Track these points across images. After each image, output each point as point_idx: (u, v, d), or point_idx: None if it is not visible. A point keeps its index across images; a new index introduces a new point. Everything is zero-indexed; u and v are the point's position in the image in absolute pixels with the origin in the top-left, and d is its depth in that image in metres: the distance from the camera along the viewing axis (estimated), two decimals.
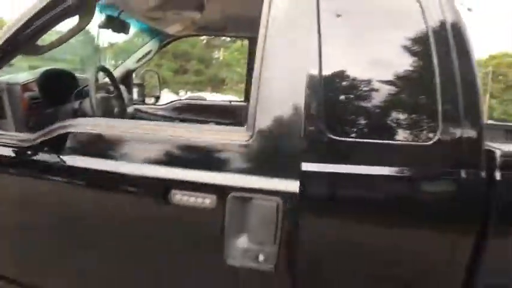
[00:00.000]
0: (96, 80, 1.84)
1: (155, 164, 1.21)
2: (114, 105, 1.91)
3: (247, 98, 3.15)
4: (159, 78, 3.28)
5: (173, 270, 1.28)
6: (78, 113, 1.70)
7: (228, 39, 30.81)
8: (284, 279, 1.20)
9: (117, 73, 2.73)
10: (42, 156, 1.31)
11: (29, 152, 1.32)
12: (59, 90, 1.83)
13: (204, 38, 30.52)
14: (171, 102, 3.20)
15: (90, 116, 1.64)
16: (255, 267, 1.14)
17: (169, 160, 1.21)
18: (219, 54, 30.21)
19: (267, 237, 1.12)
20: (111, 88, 2.07)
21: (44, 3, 1.30)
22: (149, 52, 2.85)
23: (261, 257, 1.14)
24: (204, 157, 1.20)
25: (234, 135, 1.20)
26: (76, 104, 1.75)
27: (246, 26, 2.63)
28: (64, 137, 1.27)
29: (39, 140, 1.30)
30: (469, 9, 33.29)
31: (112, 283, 1.34)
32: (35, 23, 1.32)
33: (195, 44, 26.26)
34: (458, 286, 1.31)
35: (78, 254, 1.33)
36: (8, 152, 1.35)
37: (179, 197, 1.16)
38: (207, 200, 1.14)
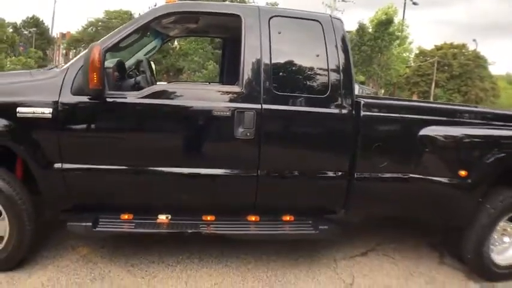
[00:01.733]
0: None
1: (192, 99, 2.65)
2: (150, 80, 3.26)
3: (221, 80, 4.50)
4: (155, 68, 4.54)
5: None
6: (140, 84, 3.03)
7: None
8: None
9: (131, 62, 3.98)
10: (148, 101, 2.68)
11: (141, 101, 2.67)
12: (122, 71, 3.12)
13: None
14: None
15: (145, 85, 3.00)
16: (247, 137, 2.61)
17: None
18: (175, 44, 30.77)
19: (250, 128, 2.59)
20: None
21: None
22: (154, 47, 4.14)
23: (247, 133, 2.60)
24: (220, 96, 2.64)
25: (234, 88, 2.64)
26: (133, 79, 3.08)
27: (221, 30, 4.03)
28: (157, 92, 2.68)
29: (145, 94, 2.66)
30: (415, 3, 35.51)
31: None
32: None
33: None
34: (345, 182, 2.83)
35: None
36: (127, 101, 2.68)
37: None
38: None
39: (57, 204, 2.80)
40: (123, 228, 2.75)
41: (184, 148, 2.81)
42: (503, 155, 3.10)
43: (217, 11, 3.01)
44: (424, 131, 3.03)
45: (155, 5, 3.14)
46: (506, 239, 3.33)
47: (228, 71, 4.02)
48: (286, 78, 2.86)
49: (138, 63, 3.86)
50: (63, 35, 41.23)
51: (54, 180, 2.65)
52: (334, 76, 2.86)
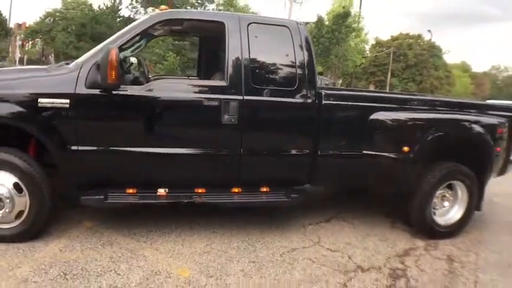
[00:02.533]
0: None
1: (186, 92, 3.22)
2: (146, 75, 3.76)
3: (199, 74, 5.01)
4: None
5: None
6: (139, 78, 3.51)
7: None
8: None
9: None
10: (151, 94, 3.23)
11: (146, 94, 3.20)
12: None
13: (119, 19, 30.72)
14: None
15: (143, 80, 3.50)
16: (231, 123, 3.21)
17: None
18: None
19: (234, 115, 3.18)
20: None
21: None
22: (140, 46, 4.58)
23: (231, 119, 3.19)
24: (210, 89, 3.21)
25: (220, 82, 3.21)
26: (132, 75, 3.55)
27: (201, 32, 4.55)
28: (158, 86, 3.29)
29: (149, 88, 3.20)
30: None
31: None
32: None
33: (112, 25, 26.59)
34: (310, 159, 3.48)
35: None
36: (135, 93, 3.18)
37: None
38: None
39: (72, 181, 3.26)
40: (129, 200, 3.26)
41: (180, 132, 3.36)
42: (440, 133, 3.86)
43: (205, 18, 3.59)
44: (373, 116, 3.74)
45: (153, 11, 3.61)
46: (446, 203, 4.11)
47: (206, 66, 4.55)
48: (262, 73, 3.46)
49: (139, 60, 4.30)
50: (19, 26, 39.60)
51: (70, 160, 3.12)
52: (300, 71, 3.50)
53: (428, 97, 5.06)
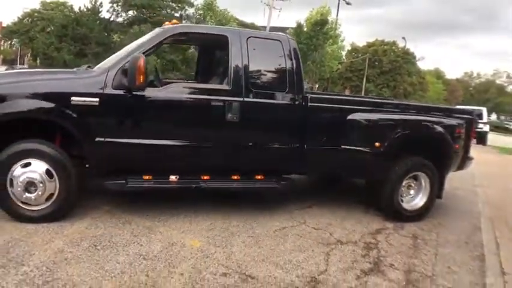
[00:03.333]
0: None
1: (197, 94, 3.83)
2: (159, 79, 4.34)
3: (196, 79, 5.56)
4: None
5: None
6: (154, 81, 4.06)
7: (125, 22, 31.56)
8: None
9: None
10: (169, 94, 3.82)
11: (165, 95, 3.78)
12: None
13: (101, 22, 30.77)
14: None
15: (158, 83, 4.05)
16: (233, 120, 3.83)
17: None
18: (115, 38, 30.63)
19: (235, 114, 3.81)
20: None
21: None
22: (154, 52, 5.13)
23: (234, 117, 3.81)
24: (216, 92, 3.82)
25: (225, 86, 3.82)
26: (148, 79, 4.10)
27: (204, 41, 5.14)
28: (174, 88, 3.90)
29: (167, 89, 3.80)
30: (348, 3, 37.90)
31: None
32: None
33: (93, 27, 26.65)
34: (298, 152, 4.15)
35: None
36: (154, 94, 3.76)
37: None
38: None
39: (97, 168, 3.78)
40: (145, 185, 3.81)
41: (190, 127, 3.94)
42: (406, 132, 4.60)
43: (212, 33, 4.21)
44: (350, 116, 4.43)
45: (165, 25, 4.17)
46: (411, 191, 4.84)
47: (207, 72, 5.13)
48: (259, 79, 4.10)
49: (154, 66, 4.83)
50: None
51: (97, 150, 3.65)
52: (290, 78, 4.15)
53: (398, 101, 5.82)
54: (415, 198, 4.86)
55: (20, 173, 3.50)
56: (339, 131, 4.40)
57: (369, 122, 4.49)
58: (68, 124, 3.57)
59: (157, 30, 4.15)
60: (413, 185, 4.85)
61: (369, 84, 42.39)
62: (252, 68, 4.01)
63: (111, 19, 30.74)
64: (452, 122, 4.98)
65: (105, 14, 31.00)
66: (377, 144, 4.45)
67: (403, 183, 4.73)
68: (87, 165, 3.80)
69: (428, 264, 3.70)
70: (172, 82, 4.36)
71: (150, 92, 3.73)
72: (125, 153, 3.78)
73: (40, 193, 3.55)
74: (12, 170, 3.50)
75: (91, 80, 3.64)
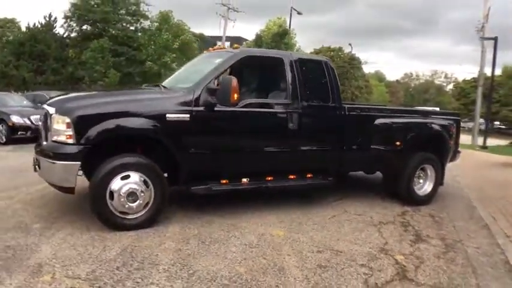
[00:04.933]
0: None
1: (267, 108, 4.65)
2: None
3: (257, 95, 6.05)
4: None
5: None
6: None
7: (80, 37, 30.91)
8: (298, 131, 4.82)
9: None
10: (245, 109, 4.48)
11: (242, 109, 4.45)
12: None
13: (56, 38, 29.97)
14: None
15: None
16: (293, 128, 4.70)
17: None
18: (71, 53, 29.97)
19: (295, 123, 4.68)
20: None
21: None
22: None
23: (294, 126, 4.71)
24: (280, 106, 4.68)
25: (287, 101, 4.74)
26: None
27: (263, 63, 5.48)
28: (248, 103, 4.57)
29: (242, 104, 4.44)
30: (299, 13, 39.76)
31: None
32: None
33: (50, 43, 25.93)
34: (339, 152, 5.09)
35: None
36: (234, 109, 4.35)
37: None
38: None
39: (186, 176, 4.33)
40: (224, 188, 4.46)
41: (263, 136, 4.67)
42: (417, 132, 5.67)
43: (270, 55, 4.97)
44: (377, 121, 5.40)
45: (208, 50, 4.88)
46: (421, 180, 5.89)
47: (264, 88, 5.39)
48: (310, 94, 4.91)
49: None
50: None
51: (188, 160, 4.23)
52: (332, 92, 5.04)
53: (408, 108, 6.97)
54: (424, 186, 5.93)
55: (120, 185, 3.93)
56: (369, 134, 5.36)
57: (392, 125, 5.50)
58: (163, 138, 4.12)
59: (227, 54, 4.77)
60: (422, 175, 5.92)
61: None
62: (303, 84, 4.84)
63: (65, 35, 30.06)
64: (446, 122, 6.14)
65: (59, 29, 30.32)
66: (397, 143, 5.46)
67: (416, 174, 5.77)
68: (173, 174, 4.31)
69: (453, 233, 4.71)
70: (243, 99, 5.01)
71: (233, 108, 4.34)
72: (210, 161, 4.41)
73: (141, 202, 4.03)
74: (111, 182, 3.92)
75: (180, 99, 4.23)
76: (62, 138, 3.89)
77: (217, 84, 4.37)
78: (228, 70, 4.68)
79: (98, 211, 3.96)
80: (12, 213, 4.49)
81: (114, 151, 4.02)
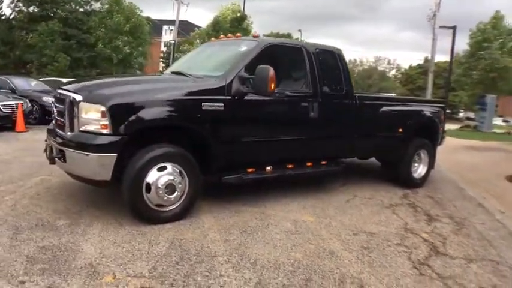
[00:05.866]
0: None
1: (291, 97, 4.78)
2: None
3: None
4: None
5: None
6: None
7: (26, 19, 28.69)
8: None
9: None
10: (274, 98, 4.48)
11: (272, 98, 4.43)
12: None
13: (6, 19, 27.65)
14: None
15: None
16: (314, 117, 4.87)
17: None
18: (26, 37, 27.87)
19: (315, 112, 4.81)
20: None
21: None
22: None
23: (315, 115, 4.85)
24: (303, 95, 4.78)
25: (308, 90, 4.86)
26: None
27: (283, 52, 5.39)
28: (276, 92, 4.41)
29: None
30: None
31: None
32: None
33: None
34: (351, 140, 5.36)
35: None
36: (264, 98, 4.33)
37: None
38: None
39: (220, 165, 4.29)
40: (250, 177, 4.49)
41: (288, 124, 4.76)
42: (416, 119, 6.08)
43: (290, 45, 5.05)
44: (381, 109, 5.71)
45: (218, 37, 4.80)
46: (416, 164, 6.31)
47: (284, 78, 5.11)
48: (327, 84, 5.05)
49: None
50: None
51: (223, 149, 4.20)
52: (345, 81, 5.25)
53: (406, 97, 7.41)
54: (418, 169, 6.37)
55: (157, 176, 3.84)
56: (375, 121, 5.66)
57: (395, 113, 5.85)
58: (199, 127, 4.07)
59: (251, 42, 4.74)
60: (417, 159, 6.35)
61: None
62: (321, 75, 4.98)
63: (12, 16, 27.84)
64: (437, 109, 6.61)
65: (5, 10, 28.01)
66: (400, 130, 5.82)
67: (413, 158, 6.19)
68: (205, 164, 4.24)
69: (456, 212, 5.16)
70: None
71: (261, 97, 4.31)
72: (242, 150, 4.43)
73: (178, 193, 3.98)
74: (148, 174, 3.79)
75: (214, 88, 4.16)
76: (95, 128, 3.69)
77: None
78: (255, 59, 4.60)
79: (133, 205, 3.84)
80: (24, 209, 4.19)
81: (140, 141, 3.86)
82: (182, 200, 4.04)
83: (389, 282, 3.09)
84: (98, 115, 3.66)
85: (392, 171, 6.28)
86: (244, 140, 4.42)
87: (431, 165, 6.44)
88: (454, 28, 20.57)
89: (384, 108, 5.75)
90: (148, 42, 34.76)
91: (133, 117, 3.71)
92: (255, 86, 4.17)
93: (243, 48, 4.69)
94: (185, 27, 43.62)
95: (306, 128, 4.94)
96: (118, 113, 3.68)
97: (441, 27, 20.91)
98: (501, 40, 24.14)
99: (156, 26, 47.17)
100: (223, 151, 4.26)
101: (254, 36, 4.90)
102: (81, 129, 3.77)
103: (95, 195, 4.71)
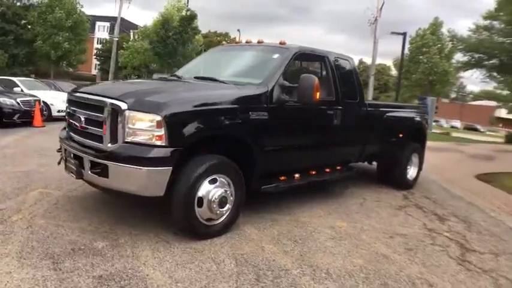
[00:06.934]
0: None
1: (319, 105, 5.04)
2: None
3: None
4: None
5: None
6: None
7: None
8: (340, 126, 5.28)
9: None
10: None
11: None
12: None
13: None
14: None
15: None
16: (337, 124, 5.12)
17: None
18: None
19: (337, 119, 5.11)
20: None
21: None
22: None
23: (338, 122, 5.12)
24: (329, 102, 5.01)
25: (332, 98, 5.06)
26: None
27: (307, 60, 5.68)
28: None
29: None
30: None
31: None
32: None
33: None
34: (363, 145, 5.72)
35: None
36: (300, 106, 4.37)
37: None
38: None
39: (259, 174, 4.24)
40: (282, 185, 4.52)
41: (319, 132, 4.94)
42: (412, 124, 6.63)
43: (317, 53, 5.17)
44: (386, 116, 6.13)
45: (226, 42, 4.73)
46: (409, 166, 6.81)
47: None
48: (345, 91, 5.27)
49: None
50: None
51: (263, 158, 4.17)
52: (358, 89, 5.58)
53: (404, 104, 7.98)
54: (410, 171, 6.89)
55: (208, 189, 3.66)
56: (382, 127, 6.06)
57: (397, 119, 6.34)
58: (247, 137, 4.02)
59: (283, 50, 4.74)
60: (410, 162, 6.87)
61: None
62: (341, 83, 5.22)
63: None
64: (423, 114, 7.21)
65: None
66: (400, 134, 6.29)
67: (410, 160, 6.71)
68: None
69: (456, 211, 5.70)
70: None
71: (297, 105, 4.38)
72: (281, 158, 4.51)
73: (229, 206, 3.85)
74: (200, 188, 3.59)
75: (257, 97, 4.14)
76: (145, 139, 3.43)
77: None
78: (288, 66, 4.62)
79: (186, 222, 3.65)
80: (46, 231, 3.66)
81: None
82: (229, 212, 3.92)
83: (450, 279, 3.42)
84: (152, 125, 3.41)
85: (389, 174, 6.73)
86: (282, 149, 4.50)
87: (420, 167, 7.00)
88: (404, 34, 22.21)
89: (389, 115, 6.19)
90: (87, 39, 33.41)
91: (190, 128, 3.55)
92: (299, 94, 4.23)
93: (276, 55, 4.69)
94: (121, 24, 42.14)
95: (330, 134, 5.16)
96: (176, 123, 3.47)
97: (392, 33, 22.38)
98: (439, 45, 26.40)
99: (90, 22, 45.29)
100: (264, 160, 4.23)
101: (281, 43, 4.97)
102: (127, 140, 3.48)
103: (111, 207, 4.45)
